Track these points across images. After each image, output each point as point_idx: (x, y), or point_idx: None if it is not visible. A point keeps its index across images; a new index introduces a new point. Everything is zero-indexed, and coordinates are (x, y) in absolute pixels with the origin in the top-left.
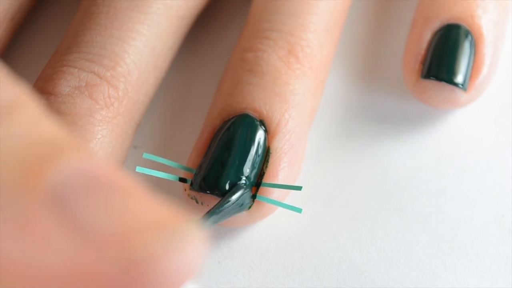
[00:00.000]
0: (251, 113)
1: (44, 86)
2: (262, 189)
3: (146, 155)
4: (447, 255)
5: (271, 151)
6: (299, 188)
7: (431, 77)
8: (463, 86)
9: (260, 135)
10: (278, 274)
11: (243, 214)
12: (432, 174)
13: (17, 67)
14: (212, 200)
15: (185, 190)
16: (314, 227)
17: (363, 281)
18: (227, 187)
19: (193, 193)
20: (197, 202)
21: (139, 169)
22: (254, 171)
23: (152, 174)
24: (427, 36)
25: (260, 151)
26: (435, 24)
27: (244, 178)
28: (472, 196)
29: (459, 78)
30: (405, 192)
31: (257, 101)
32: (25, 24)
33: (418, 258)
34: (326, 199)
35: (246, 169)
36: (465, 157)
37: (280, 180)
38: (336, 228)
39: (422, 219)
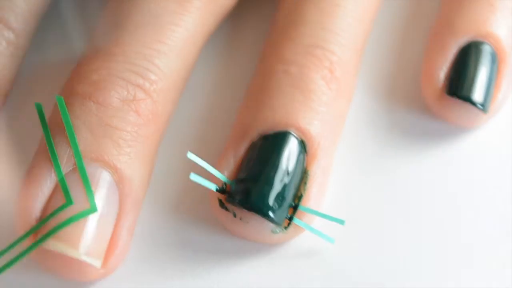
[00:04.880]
0: (294, 132)
1: (92, 94)
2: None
3: (190, 155)
4: (455, 262)
5: (309, 173)
6: (341, 221)
7: (456, 96)
8: (484, 108)
9: (301, 155)
10: (287, 279)
11: (279, 234)
12: (439, 181)
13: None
14: (252, 217)
15: (220, 201)
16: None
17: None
18: (272, 207)
19: (231, 207)
20: (235, 216)
21: (192, 176)
22: (293, 193)
23: (200, 182)
24: (452, 50)
25: (300, 172)
26: (463, 39)
27: (285, 199)
28: (482, 206)
29: (483, 100)
30: (415, 200)
31: (302, 120)
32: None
33: (428, 266)
34: (336, 206)
35: (289, 191)
36: (475, 167)
37: (312, 204)
38: (345, 235)
39: (432, 227)
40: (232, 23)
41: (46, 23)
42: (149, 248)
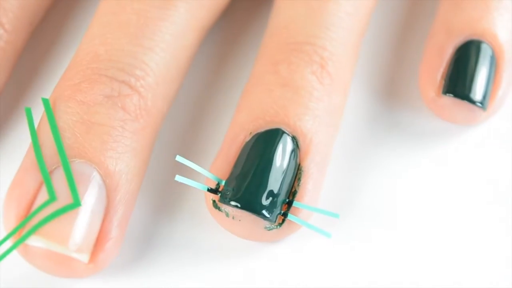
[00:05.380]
0: (285, 128)
1: (76, 94)
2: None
3: (179, 158)
4: (458, 262)
5: (303, 169)
6: (336, 215)
7: (453, 95)
8: (483, 106)
9: (293, 152)
10: (288, 278)
11: (274, 231)
12: (438, 179)
13: (32, 69)
14: (245, 216)
15: (213, 201)
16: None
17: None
18: (264, 204)
19: (224, 206)
20: (227, 215)
21: (178, 177)
22: (287, 189)
23: (186, 183)
24: (449, 50)
25: (293, 168)
26: (458, 39)
27: (277, 196)
28: (483, 205)
29: (481, 98)
30: (416, 199)
31: (292, 116)
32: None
33: (430, 266)
34: (336, 206)
35: (281, 187)
36: (476, 165)
37: (307, 200)
38: (345, 234)
39: (433, 226)
40: (230, 24)
41: (43, 25)
42: (146, 248)
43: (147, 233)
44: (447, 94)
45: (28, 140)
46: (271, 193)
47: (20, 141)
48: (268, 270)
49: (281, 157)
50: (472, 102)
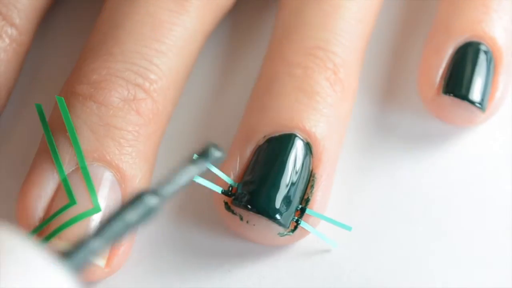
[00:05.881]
0: (299, 134)
1: (93, 94)
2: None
3: (196, 157)
4: (458, 264)
5: (316, 176)
6: (348, 228)
7: (452, 94)
8: (482, 106)
9: (307, 157)
10: (289, 282)
11: (285, 236)
12: (439, 182)
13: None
14: (258, 220)
15: (225, 203)
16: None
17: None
18: (279, 210)
19: (238, 210)
20: (241, 219)
21: (197, 178)
22: (300, 195)
23: (204, 184)
24: (449, 50)
25: (306, 175)
26: (459, 40)
27: (291, 202)
28: (482, 207)
29: (480, 99)
30: (415, 202)
31: (307, 122)
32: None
33: (429, 267)
34: (337, 209)
35: (295, 194)
36: (474, 168)
37: (318, 208)
38: (346, 237)
39: (432, 229)
40: (236, 24)
41: (46, 21)
42: (151, 250)
43: (149, 234)
44: (447, 94)
45: (29, 139)
46: (286, 199)
47: (21, 140)
48: (268, 270)
49: (296, 163)
50: (471, 102)
